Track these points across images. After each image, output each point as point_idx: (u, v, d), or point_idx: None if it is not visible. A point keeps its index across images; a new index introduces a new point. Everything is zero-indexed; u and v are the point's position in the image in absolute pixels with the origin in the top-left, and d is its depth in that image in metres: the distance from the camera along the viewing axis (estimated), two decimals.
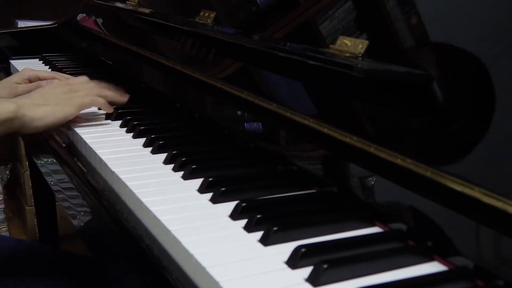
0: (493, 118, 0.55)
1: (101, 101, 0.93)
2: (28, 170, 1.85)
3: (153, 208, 0.63)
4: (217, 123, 0.91)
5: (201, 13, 1.04)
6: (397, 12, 0.69)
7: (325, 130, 0.68)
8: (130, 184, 0.69)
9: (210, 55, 0.98)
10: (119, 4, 1.45)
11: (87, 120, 0.95)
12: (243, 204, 0.62)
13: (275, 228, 0.56)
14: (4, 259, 1.02)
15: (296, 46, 0.81)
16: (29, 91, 1.06)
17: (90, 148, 0.83)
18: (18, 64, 1.46)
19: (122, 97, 0.99)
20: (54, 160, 0.99)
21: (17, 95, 1.08)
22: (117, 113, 0.99)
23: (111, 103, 0.97)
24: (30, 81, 1.12)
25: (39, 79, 1.13)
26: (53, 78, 1.13)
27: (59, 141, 0.95)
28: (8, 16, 2.16)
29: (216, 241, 0.56)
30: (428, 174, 0.55)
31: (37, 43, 1.59)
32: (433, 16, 0.67)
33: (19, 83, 1.10)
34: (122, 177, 0.72)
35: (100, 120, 0.97)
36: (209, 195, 0.66)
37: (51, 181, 1.20)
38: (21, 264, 1.03)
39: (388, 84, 0.67)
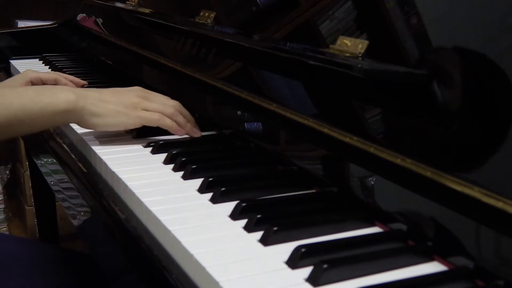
0: (493, 118, 0.55)
1: (169, 122, 0.83)
2: (28, 170, 1.85)
3: (153, 208, 0.63)
4: (217, 123, 0.91)
5: (201, 13, 1.04)
6: (397, 12, 0.69)
7: (325, 130, 0.68)
8: (130, 184, 0.69)
9: (210, 55, 0.98)
10: (119, 4, 1.45)
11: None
12: (243, 204, 0.62)
13: (275, 228, 0.56)
14: (5, 257, 1.03)
15: (296, 46, 0.81)
16: None
17: (90, 148, 0.83)
18: (18, 64, 1.46)
19: (194, 131, 0.87)
20: (54, 160, 0.99)
21: None
22: None
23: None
24: (33, 83, 1.12)
25: (41, 80, 1.13)
26: (55, 79, 1.13)
27: (60, 142, 0.95)
28: (8, 16, 2.16)
29: (216, 241, 0.56)
30: (428, 174, 0.55)
31: (37, 43, 1.59)
32: (433, 16, 0.67)
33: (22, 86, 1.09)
34: (122, 177, 0.72)
35: None
36: (209, 195, 0.66)
37: (51, 181, 1.19)
38: (22, 262, 1.03)
39: (388, 84, 0.67)
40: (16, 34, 1.61)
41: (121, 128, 0.84)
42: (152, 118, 0.82)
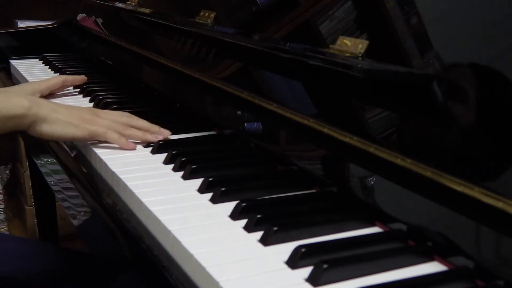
0: (492, 118, 0.55)
1: (115, 136, 0.83)
2: (28, 170, 1.85)
3: (153, 208, 0.63)
4: (217, 123, 0.91)
5: (201, 13, 1.04)
6: (397, 12, 0.69)
7: (325, 130, 0.68)
8: (130, 184, 0.69)
9: (210, 55, 0.98)
10: (119, 4, 1.45)
11: None
12: (243, 204, 0.62)
13: (275, 228, 0.56)
14: (5, 257, 1.03)
15: (296, 46, 0.81)
16: None
17: (90, 148, 0.83)
18: (18, 64, 1.46)
19: (160, 133, 0.86)
20: (54, 160, 0.99)
21: None
22: None
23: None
24: (42, 95, 1.10)
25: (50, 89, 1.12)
26: (63, 81, 1.13)
27: (59, 142, 0.95)
28: (8, 16, 2.16)
29: (216, 241, 0.56)
30: (428, 174, 0.55)
31: (37, 43, 1.59)
32: (433, 16, 0.67)
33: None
34: (122, 177, 0.72)
35: None
36: (209, 195, 0.66)
37: (51, 181, 1.19)
38: (22, 262, 1.03)
39: (388, 84, 0.67)
40: (16, 34, 1.60)
41: (69, 138, 0.85)
42: (99, 132, 0.84)
